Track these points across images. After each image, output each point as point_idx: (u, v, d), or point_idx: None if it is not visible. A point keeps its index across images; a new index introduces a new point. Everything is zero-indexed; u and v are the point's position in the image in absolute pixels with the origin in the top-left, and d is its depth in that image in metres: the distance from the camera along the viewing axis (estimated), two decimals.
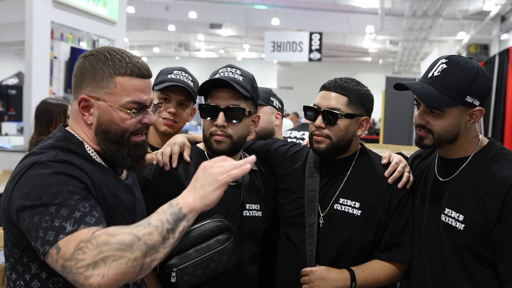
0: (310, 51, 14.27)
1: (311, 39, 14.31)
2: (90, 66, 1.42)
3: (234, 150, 1.85)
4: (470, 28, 15.20)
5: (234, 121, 1.81)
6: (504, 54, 5.97)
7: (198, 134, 2.05)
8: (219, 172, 1.29)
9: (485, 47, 15.89)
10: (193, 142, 1.98)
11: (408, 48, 18.79)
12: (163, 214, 1.24)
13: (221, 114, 1.79)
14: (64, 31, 7.63)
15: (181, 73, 2.17)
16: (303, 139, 3.18)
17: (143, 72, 1.45)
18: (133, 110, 1.42)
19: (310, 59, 14.45)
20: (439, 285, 1.72)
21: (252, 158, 1.32)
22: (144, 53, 25.62)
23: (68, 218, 1.21)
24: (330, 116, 1.83)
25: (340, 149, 1.88)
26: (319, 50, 14.08)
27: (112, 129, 1.43)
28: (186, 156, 1.87)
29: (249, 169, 1.31)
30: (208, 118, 1.82)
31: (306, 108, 1.92)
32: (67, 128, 1.50)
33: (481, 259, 1.65)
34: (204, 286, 1.75)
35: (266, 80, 25.42)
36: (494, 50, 14.40)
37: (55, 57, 7.25)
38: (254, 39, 21.36)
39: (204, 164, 1.32)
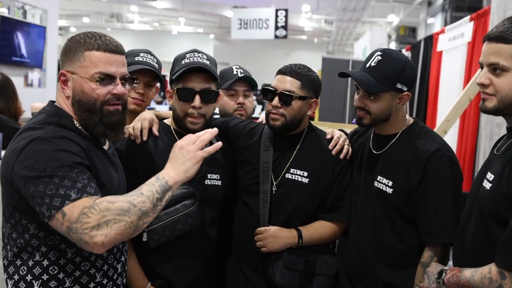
0: (276, 28, 14.14)
1: (277, 16, 14.14)
2: (68, 46, 1.64)
3: (205, 128, 2.09)
4: (399, 11, 15.96)
5: (208, 103, 2.04)
6: (428, 39, 6.46)
7: (164, 111, 2.28)
8: (195, 150, 1.57)
9: (413, 30, 16.77)
10: (160, 118, 2.20)
11: (342, 28, 19.42)
12: (152, 186, 1.49)
13: (198, 97, 2.01)
14: None
15: (147, 55, 2.38)
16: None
17: (110, 47, 1.62)
18: (97, 79, 1.59)
19: (276, 36, 14.23)
20: (371, 239, 2.06)
21: (215, 130, 1.64)
22: (72, 23, 24.53)
23: (72, 188, 1.42)
24: (286, 98, 2.10)
25: (292, 126, 2.16)
26: (285, 27, 13.88)
27: (84, 99, 1.61)
28: (155, 130, 2.08)
29: (221, 145, 1.63)
30: (184, 100, 2.02)
31: (264, 89, 2.18)
32: (55, 103, 1.68)
33: (405, 217, 2.00)
34: (171, 245, 1.99)
35: None
36: (421, 33, 15.25)
37: None
38: (190, 13, 21.16)
39: (179, 143, 1.59)
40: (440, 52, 5.72)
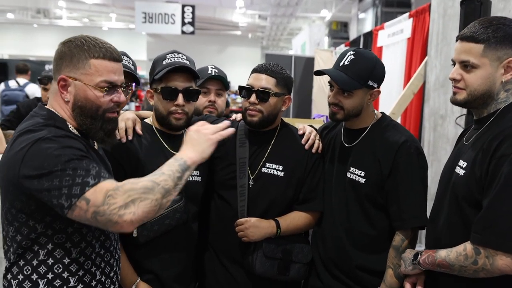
0: (183, 23, 14.18)
1: (183, 12, 14.21)
2: (68, 51, 1.64)
3: (188, 125, 2.15)
4: (332, 6, 16.46)
5: (191, 101, 2.12)
6: (368, 35, 6.76)
7: (143, 111, 2.31)
8: (210, 133, 1.69)
9: (345, 25, 17.34)
10: (140, 118, 2.22)
11: (276, 23, 19.74)
12: (172, 166, 1.56)
13: (181, 95, 2.07)
14: None
15: (123, 57, 2.37)
16: None
17: (114, 56, 1.68)
18: (105, 88, 1.64)
19: (183, 32, 14.36)
20: (345, 226, 2.20)
21: (227, 122, 1.78)
22: None
23: (87, 175, 1.46)
24: (263, 95, 2.20)
25: (268, 122, 2.27)
26: (192, 23, 14.03)
27: (87, 106, 1.65)
28: (139, 129, 2.13)
29: (233, 131, 1.80)
30: (168, 99, 2.08)
31: (241, 88, 2.27)
32: (47, 106, 1.69)
33: (377, 205, 2.15)
34: (158, 240, 2.06)
35: (135, 51, 24.76)
36: (353, 28, 15.81)
37: None
38: (121, 9, 20.69)
39: (194, 127, 1.72)
40: (380, 48, 6.00)
